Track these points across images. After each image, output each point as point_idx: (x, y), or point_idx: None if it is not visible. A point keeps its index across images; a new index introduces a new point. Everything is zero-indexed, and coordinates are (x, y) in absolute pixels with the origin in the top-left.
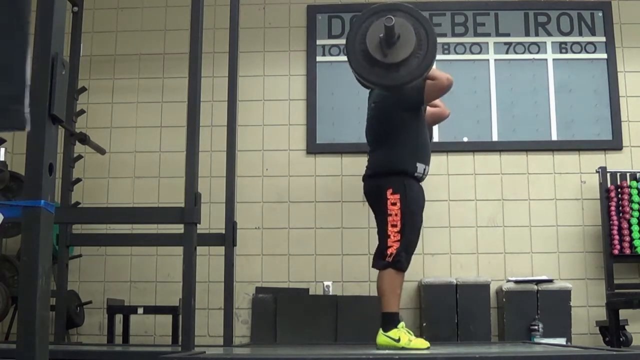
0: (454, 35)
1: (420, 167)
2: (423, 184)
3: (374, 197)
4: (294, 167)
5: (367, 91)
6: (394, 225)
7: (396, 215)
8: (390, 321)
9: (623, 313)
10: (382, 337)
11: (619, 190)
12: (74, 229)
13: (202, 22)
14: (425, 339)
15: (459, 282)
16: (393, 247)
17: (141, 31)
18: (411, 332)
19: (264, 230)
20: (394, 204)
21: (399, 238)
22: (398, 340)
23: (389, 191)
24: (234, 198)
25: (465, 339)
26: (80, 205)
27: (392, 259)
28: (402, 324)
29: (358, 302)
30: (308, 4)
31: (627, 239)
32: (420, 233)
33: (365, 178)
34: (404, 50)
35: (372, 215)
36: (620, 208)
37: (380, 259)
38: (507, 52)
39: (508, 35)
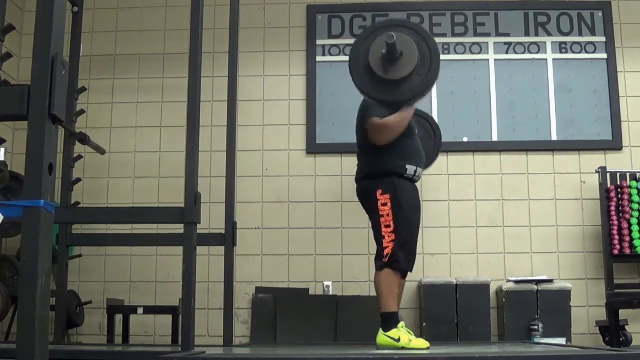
0: (454, 35)
1: (410, 168)
2: (423, 184)
3: (366, 199)
4: (294, 167)
5: None
6: (387, 226)
7: (388, 215)
8: (390, 321)
9: (623, 313)
10: (382, 337)
11: (619, 190)
12: (74, 229)
13: (202, 22)
14: (425, 339)
15: (459, 282)
16: (389, 248)
17: (141, 31)
18: (411, 332)
19: (264, 230)
20: (384, 204)
21: (393, 238)
22: (398, 340)
23: (379, 192)
24: (234, 198)
25: (465, 339)
26: (80, 205)
27: (388, 259)
28: (402, 323)
29: (358, 302)
30: (308, 4)
31: (627, 239)
32: (419, 232)
33: (356, 181)
34: (406, 67)
35: None
36: (620, 208)
37: (378, 260)
38: (507, 52)
39: (508, 35)
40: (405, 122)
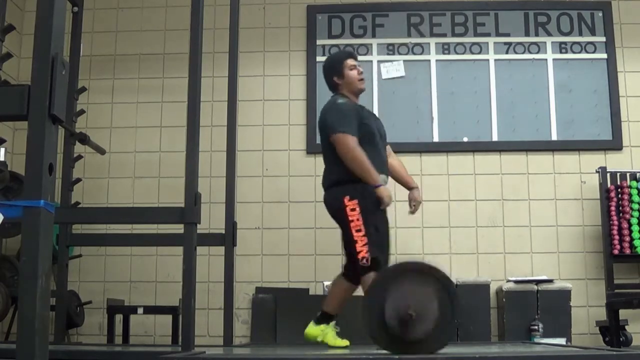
0: (454, 35)
1: None
2: (423, 185)
3: (333, 208)
4: (294, 167)
5: (367, 92)
6: (358, 230)
7: (358, 220)
8: None
9: (623, 313)
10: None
11: (619, 190)
12: (74, 229)
13: (202, 22)
14: None
15: (459, 282)
16: (364, 251)
17: (141, 31)
18: None
19: (264, 230)
20: (353, 209)
21: (366, 241)
22: None
23: (346, 199)
24: (234, 198)
25: (465, 339)
26: (80, 205)
27: (368, 262)
28: None
29: (358, 302)
30: (308, 4)
31: (627, 239)
32: (390, 232)
33: (323, 189)
34: (421, 329)
35: None
36: (620, 208)
37: (358, 269)
38: (507, 52)
39: (508, 35)
40: (364, 176)
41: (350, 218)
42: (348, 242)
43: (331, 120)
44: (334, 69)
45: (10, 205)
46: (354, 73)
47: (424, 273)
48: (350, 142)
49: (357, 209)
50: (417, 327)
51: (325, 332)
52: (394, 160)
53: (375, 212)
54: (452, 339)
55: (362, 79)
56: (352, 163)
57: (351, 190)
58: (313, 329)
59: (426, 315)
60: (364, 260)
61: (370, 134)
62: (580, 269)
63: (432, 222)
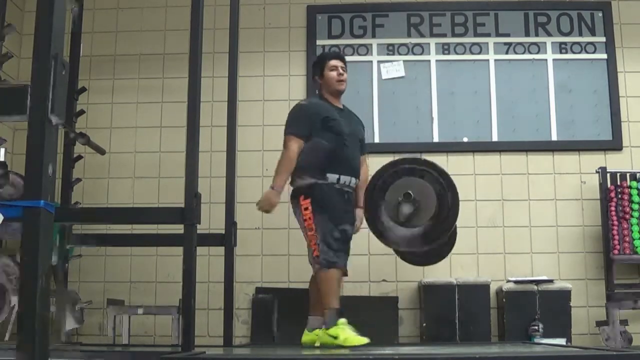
0: (454, 35)
1: (331, 177)
2: None
3: (293, 207)
4: None
5: (367, 93)
6: (311, 229)
7: (310, 218)
8: (332, 318)
9: (623, 313)
10: (321, 335)
11: (619, 190)
12: (74, 229)
13: (202, 22)
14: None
15: (459, 282)
16: (316, 249)
17: (141, 31)
18: (345, 328)
19: (264, 230)
20: (306, 208)
21: (316, 240)
22: (336, 338)
23: (301, 197)
24: (234, 198)
25: (465, 339)
26: (80, 205)
27: (319, 260)
28: (342, 320)
29: (357, 302)
30: (308, 4)
31: (627, 239)
32: (346, 229)
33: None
34: (420, 218)
35: None
36: (620, 208)
37: (313, 263)
38: (507, 52)
39: (508, 35)
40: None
41: (304, 217)
42: (307, 241)
43: (286, 121)
44: (317, 69)
45: (10, 205)
46: (333, 74)
47: (430, 171)
48: (288, 144)
49: (310, 207)
50: (417, 214)
51: (320, 337)
52: (363, 175)
53: (326, 209)
54: (453, 228)
55: (340, 81)
56: (279, 160)
57: (306, 190)
58: (308, 336)
59: (425, 202)
60: (316, 258)
61: (335, 133)
62: (580, 269)
63: None
